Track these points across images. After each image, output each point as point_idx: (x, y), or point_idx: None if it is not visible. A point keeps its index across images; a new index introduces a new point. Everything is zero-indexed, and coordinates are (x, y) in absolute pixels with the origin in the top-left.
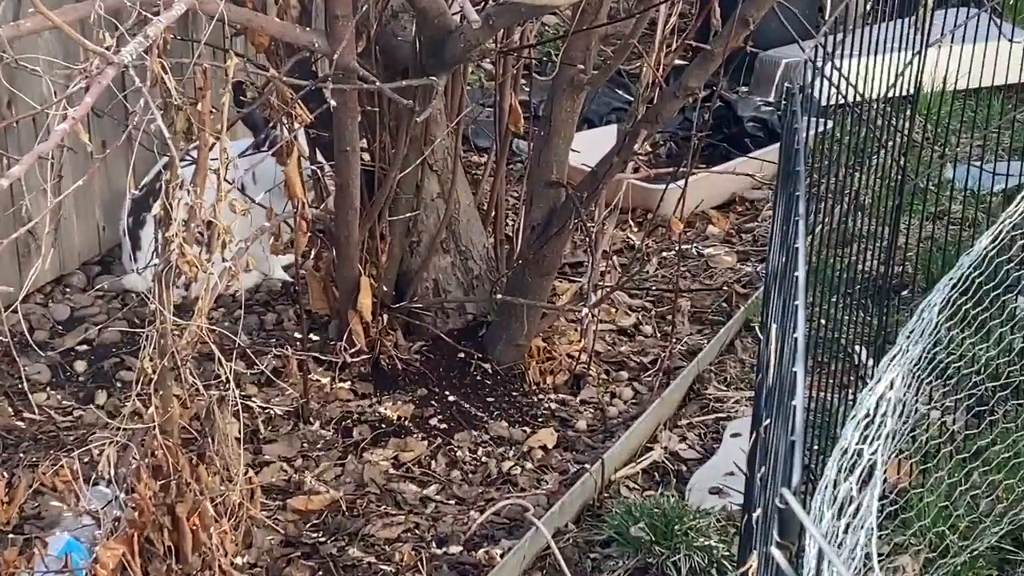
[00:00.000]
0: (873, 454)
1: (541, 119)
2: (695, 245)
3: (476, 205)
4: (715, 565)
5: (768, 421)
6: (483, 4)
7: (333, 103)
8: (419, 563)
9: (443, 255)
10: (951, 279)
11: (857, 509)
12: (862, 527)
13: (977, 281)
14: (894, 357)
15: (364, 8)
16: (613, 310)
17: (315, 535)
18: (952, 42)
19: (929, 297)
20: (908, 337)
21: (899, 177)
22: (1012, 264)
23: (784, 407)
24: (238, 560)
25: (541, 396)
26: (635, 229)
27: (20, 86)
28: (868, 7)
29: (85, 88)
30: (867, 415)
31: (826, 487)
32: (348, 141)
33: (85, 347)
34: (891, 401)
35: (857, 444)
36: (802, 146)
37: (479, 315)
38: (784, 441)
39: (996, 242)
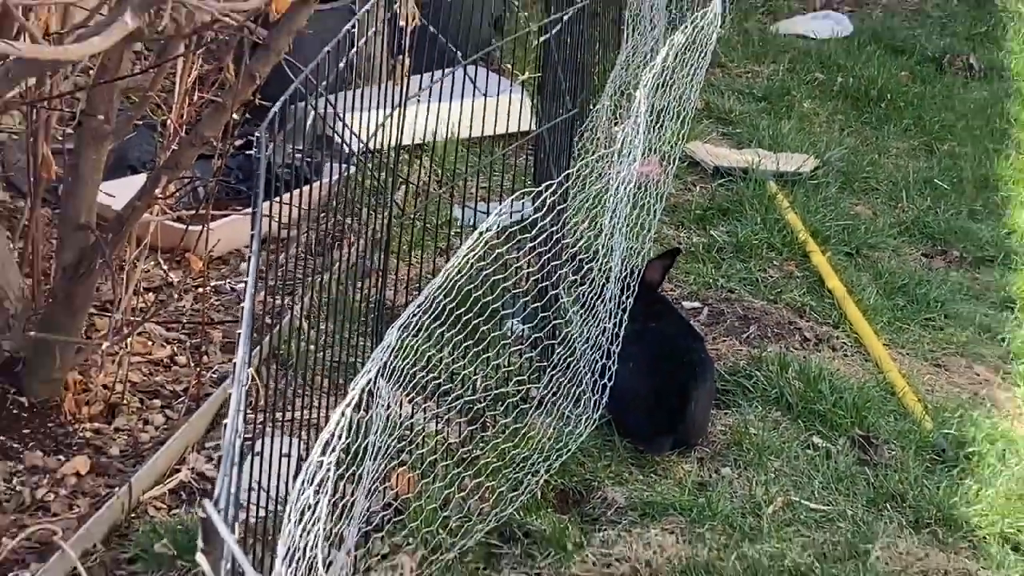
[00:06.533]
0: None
1: (67, 167)
2: (229, 281)
3: (17, 248)
4: None
5: None
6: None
7: None
8: None
9: None
10: (436, 286)
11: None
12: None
13: (467, 289)
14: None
15: None
16: (150, 343)
17: None
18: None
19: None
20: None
21: (388, 215)
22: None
23: None
24: None
25: (77, 426)
26: (172, 267)
27: None
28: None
29: None
30: None
31: None
32: None
33: None
34: None
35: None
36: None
37: (15, 352)
38: None
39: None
